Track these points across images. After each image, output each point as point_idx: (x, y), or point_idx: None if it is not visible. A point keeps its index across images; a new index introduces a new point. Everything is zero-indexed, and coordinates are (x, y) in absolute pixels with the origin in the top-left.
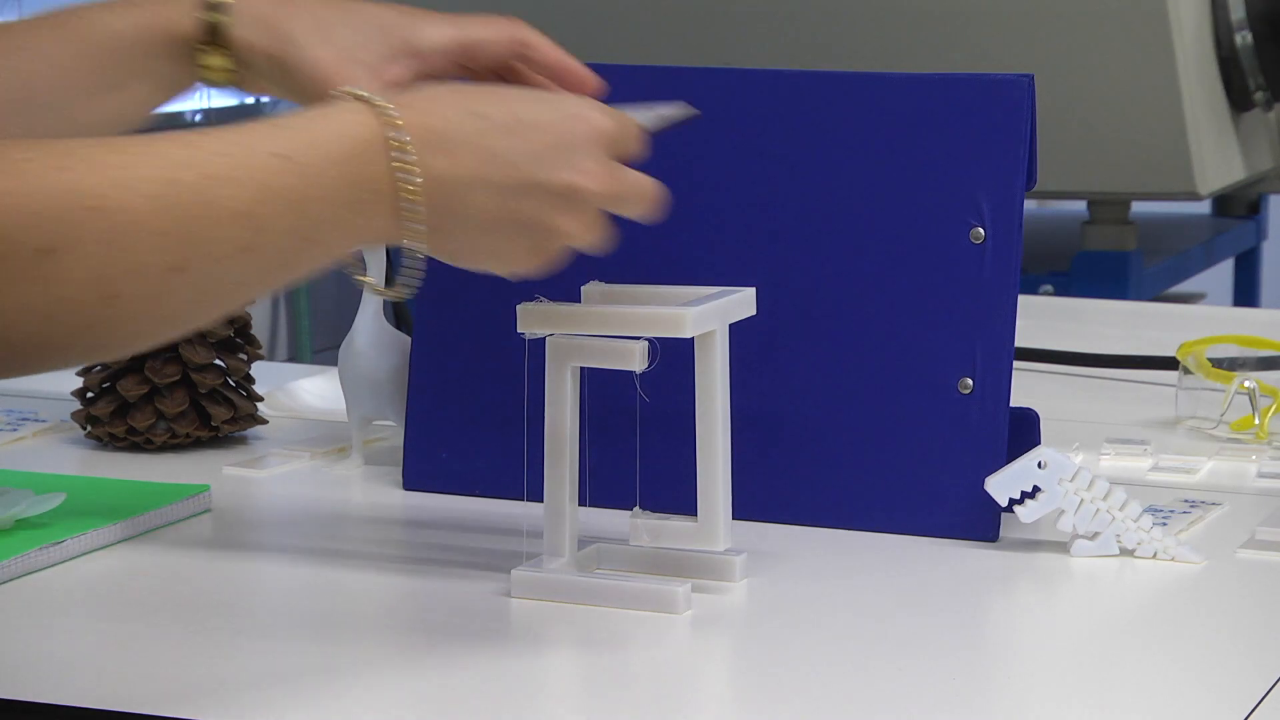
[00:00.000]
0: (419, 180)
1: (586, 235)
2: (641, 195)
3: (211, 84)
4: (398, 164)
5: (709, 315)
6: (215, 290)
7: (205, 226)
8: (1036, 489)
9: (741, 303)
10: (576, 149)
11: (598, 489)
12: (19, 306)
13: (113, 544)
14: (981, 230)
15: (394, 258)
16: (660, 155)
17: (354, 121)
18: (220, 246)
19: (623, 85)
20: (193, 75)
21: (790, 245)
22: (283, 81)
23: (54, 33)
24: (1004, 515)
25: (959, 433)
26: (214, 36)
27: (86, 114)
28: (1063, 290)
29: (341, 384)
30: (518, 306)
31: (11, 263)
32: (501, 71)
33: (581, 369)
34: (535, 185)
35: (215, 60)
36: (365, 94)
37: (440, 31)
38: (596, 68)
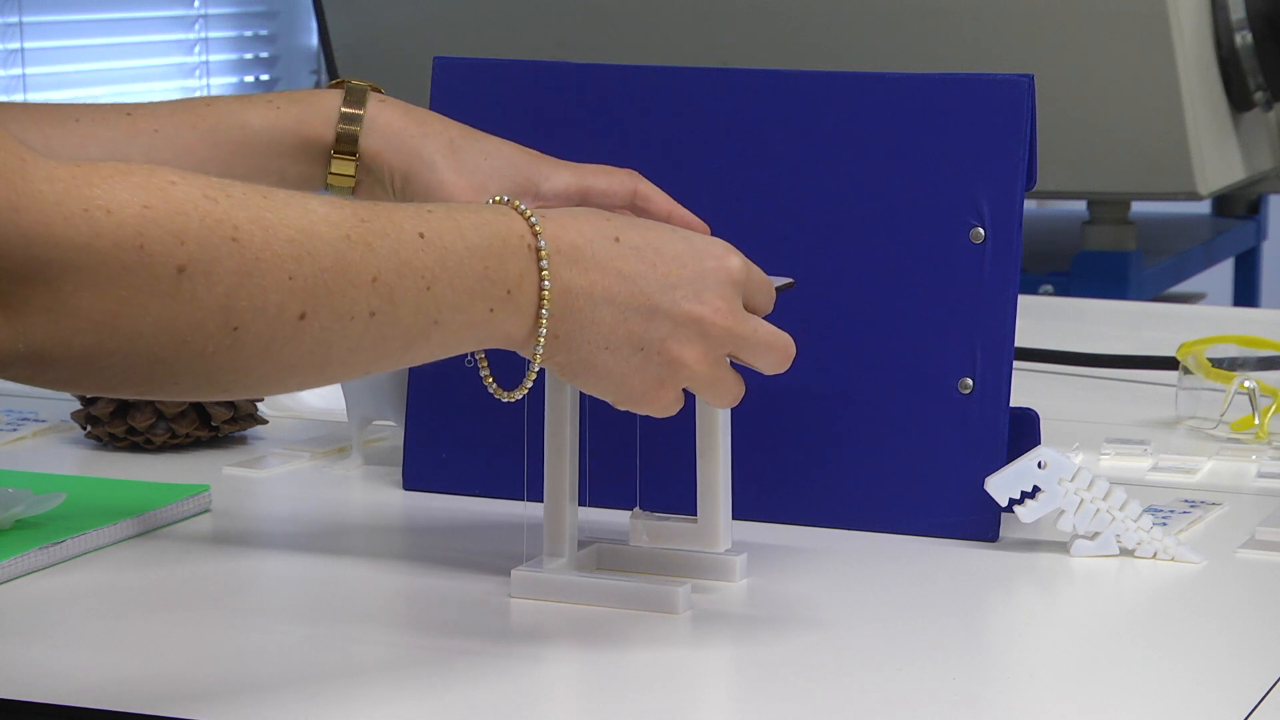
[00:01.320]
0: (548, 287)
1: (708, 373)
2: (769, 344)
3: (337, 190)
4: (535, 268)
5: None
6: (334, 348)
7: (335, 283)
8: (1036, 489)
9: None
10: (706, 285)
11: (598, 489)
12: (149, 318)
13: (113, 544)
14: (981, 230)
15: None
16: (660, 155)
17: (499, 221)
18: (347, 305)
19: (623, 85)
20: (321, 179)
21: (790, 245)
22: (406, 197)
23: (189, 117)
24: (1004, 515)
25: (959, 433)
26: (348, 146)
27: None
28: (1063, 290)
29: (341, 384)
30: None
31: (148, 274)
32: None
33: None
34: (660, 311)
35: (344, 168)
36: (513, 200)
37: (563, 177)
38: (596, 68)
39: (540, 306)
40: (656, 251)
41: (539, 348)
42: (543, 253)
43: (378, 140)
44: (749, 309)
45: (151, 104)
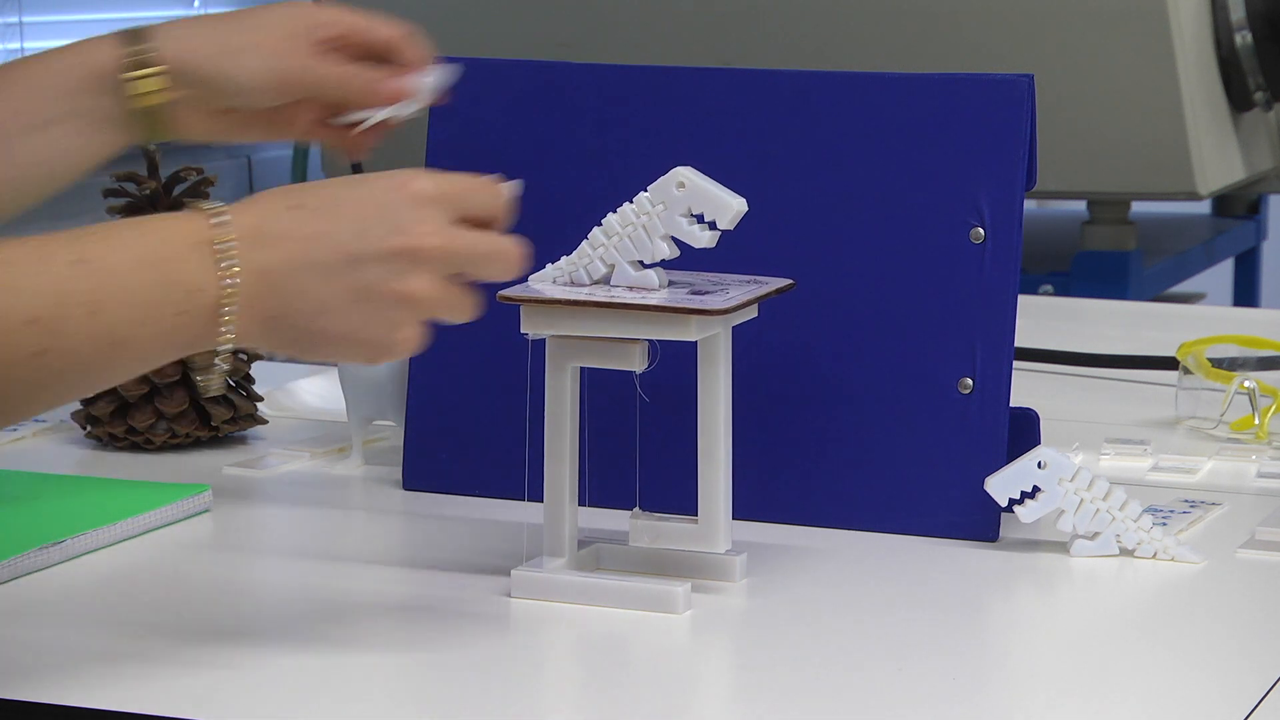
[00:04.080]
0: (237, 280)
1: (441, 298)
2: (490, 253)
3: (148, 110)
4: (220, 263)
5: (714, 320)
6: (8, 393)
7: None
8: (1036, 489)
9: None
10: (399, 214)
11: (598, 489)
12: None
13: (113, 544)
14: (981, 230)
15: None
16: (661, 155)
17: (166, 226)
18: (7, 353)
19: (624, 85)
20: (123, 105)
21: (790, 245)
22: (219, 81)
23: None
24: (1004, 515)
25: (959, 433)
26: (139, 63)
27: (23, 154)
28: (1063, 290)
29: (341, 384)
30: (520, 306)
31: None
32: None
33: (581, 369)
34: (363, 258)
35: (148, 84)
36: (199, 203)
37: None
38: (597, 68)
39: (230, 300)
40: (337, 203)
41: (249, 343)
42: (231, 246)
43: (177, 43)
44: (477, 222)
45: None
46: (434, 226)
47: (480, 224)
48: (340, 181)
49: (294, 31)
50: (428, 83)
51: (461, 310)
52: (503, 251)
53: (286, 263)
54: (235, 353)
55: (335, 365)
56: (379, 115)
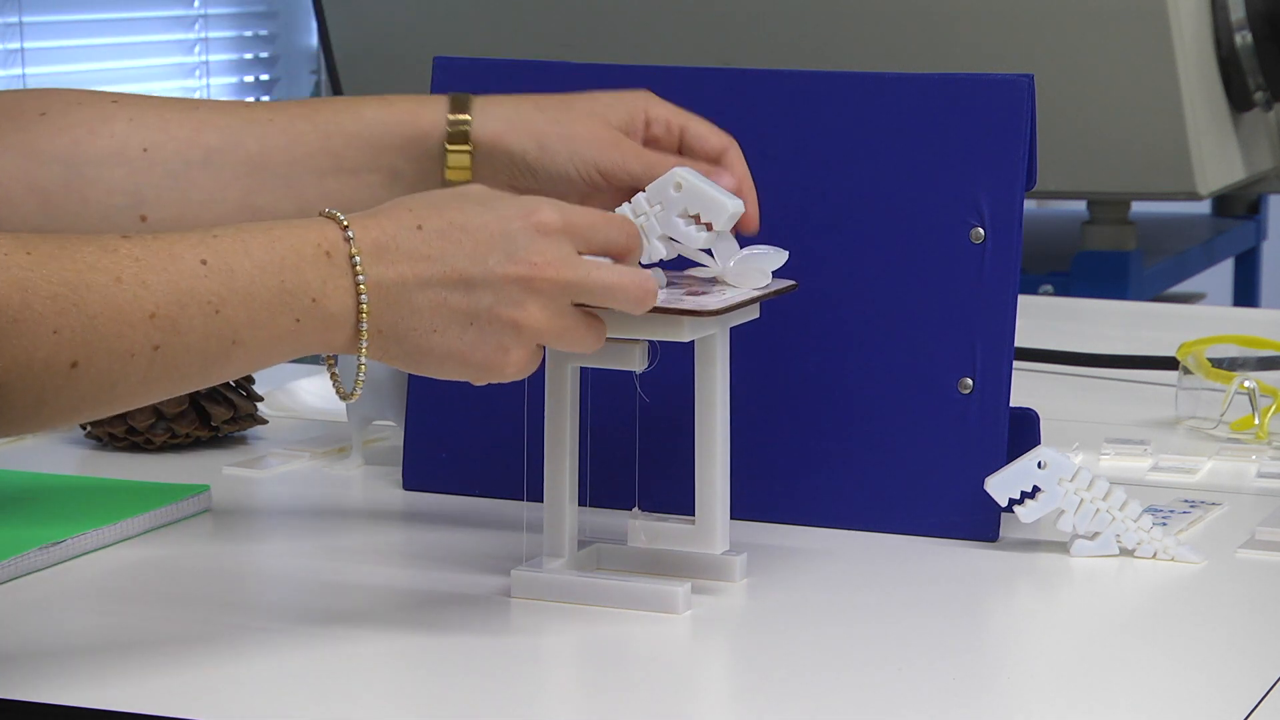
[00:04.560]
0: (360, 287)
1: (552, 326)
2: (612, 284)
3: (456, 181)
4: (340, 272)
5: (707, 321)
6: (119, 385)
7: (108, 327)
8: (1036, 489)
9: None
10: (518, 243)
11: (598, 489)
12: None
13: (113, 544)
14: (981, 230)
15: None
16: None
17: (292, 234)
18: (125, 345)
19: (624, 85)
20: (432, 171)
21: (790, 245)
22: (542, 167)
23: (303, 111)
24: (1004, 515)
25: (959, 433)
26: (460, 139)
27: (314, 191)
28: (1063, 290)
29: None
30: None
31: None
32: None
33: (581, 369)
34: (477, 281)
35: (459, 160)
36: (331, 210)
37: (665, 107)
38: (598, 68)
39: (359, 308)
40: (461, 229)
41: (364, 343)
42: (355, 256)
43: (496, 124)
44: (600, 252)
45: (276, 102)
46: (552, 256)
47: (610, 255)
48: (466, 201)
49: (625, 125)
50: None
51: (580, 340)
52: (626, 285)
53: (403, 281)
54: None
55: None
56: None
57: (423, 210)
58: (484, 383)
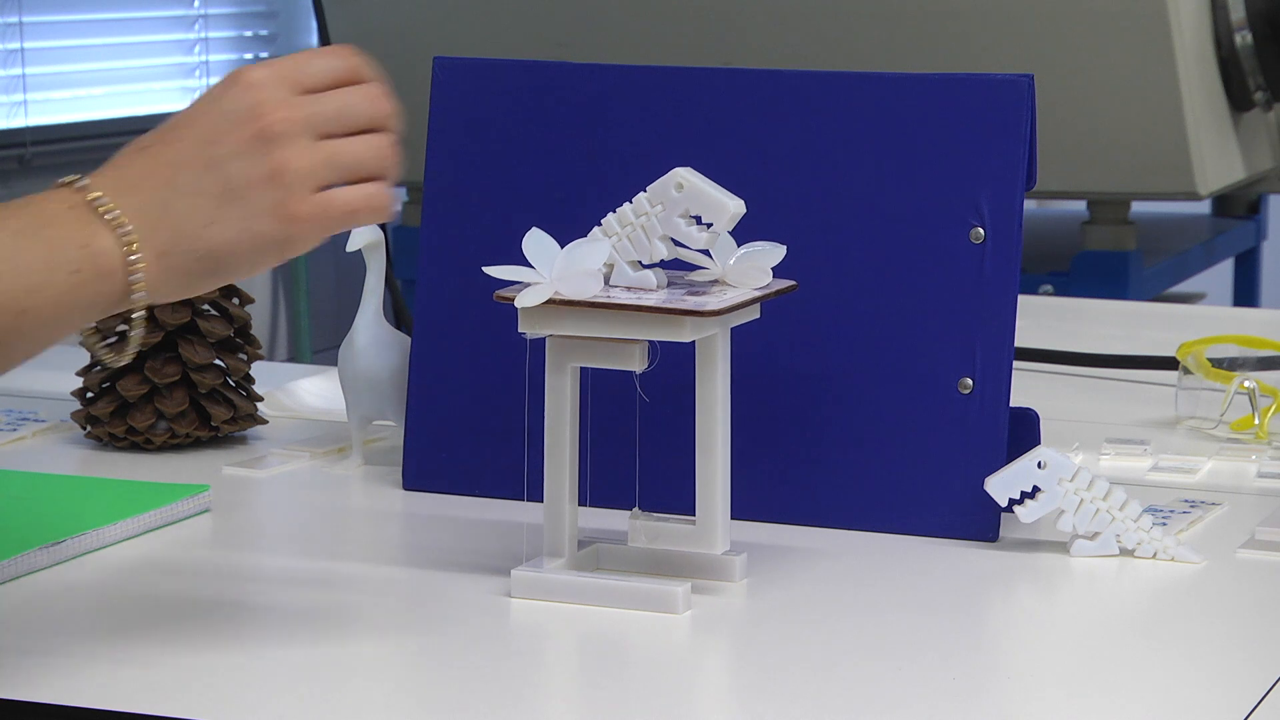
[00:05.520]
0: (129, 226)
1: (312, 160)
2: (344, 109)
3: None
4: (105, 216)
5: (708, 321)
6: None
7: None
8: (1036, 489)
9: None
10: (232, 106)
11: (598, 489)
12: None
13: (113, 544)
14: (981, 230)
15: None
16: (660, 155)
17: (42, 200)
18: None
19: (623, 85)
20: None
21: (790, 245)
22: None
23: None
24: (1004, 515)
25: (959, 433)
26: None
27: None
28: (1063, 290)
29: (341, 384)
30: (516, 303)
31: None
32: None
33: (581, 369)
34: (215, 158)
35: None
36: (59, 181)
37: None
38: (597, 68)
39: (127, 239)
40: (179, 125)
41: (145, 279)
42: (96, 194)
43: None
44: (321, 86)
45: None
46: (278, 102)
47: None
48: (181, 112)
49: None
50: None
51: (344, 170)
52: (357, 99)
53: (155, 195)
54: (237, 352)
55: (335, 366)
56: None
57: (141, 138)
58: (293, 255)
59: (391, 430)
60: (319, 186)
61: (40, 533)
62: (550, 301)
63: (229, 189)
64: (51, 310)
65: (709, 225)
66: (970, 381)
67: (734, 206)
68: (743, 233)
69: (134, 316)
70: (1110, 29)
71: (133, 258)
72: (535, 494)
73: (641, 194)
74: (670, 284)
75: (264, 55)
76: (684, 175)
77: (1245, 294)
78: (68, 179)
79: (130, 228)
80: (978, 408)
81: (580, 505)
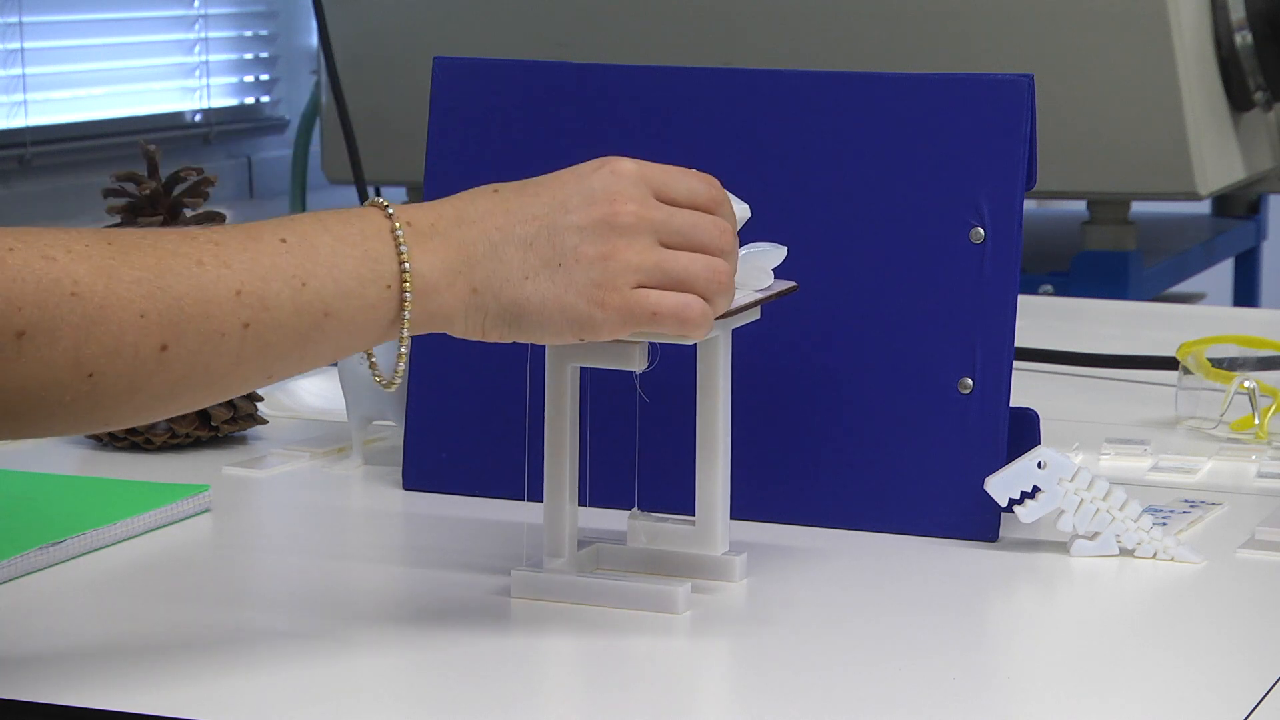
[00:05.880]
0: (448, 249)
1: (646, 259)
2: (696, 225)
3: None
4: (423, 238)
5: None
6: (213, 367)
7: (194, 308)
8: (1036, 489)
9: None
10: (596, 188)
11: (598, 489)
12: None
13: (113, 544)
14: (981, 230)
15: None
16: (660, 155)
17: (371, 212)
18: (214, 325)
19: (623, 85)
20: None
21: (790, 245)
22: None
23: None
24: (1004, 515)
25: (959, 433)
26: None
27: None
28: (1063, 290)
29: (341, 384)
30: None
31: None
32: None
33: (581, 369)
34: (559, 226)
35: None
36: (372, 200)
37: None
38: (597, 68)
39: (451, 268)
40: (537, 184)
41: (463, 309)
42: (433, 220)
43: None
44: (678, 202)
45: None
46: (630, 195)
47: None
48: (548, 174)
49: None
50: None
51: (669, 277)
52: (707, 224)
53: (487, 235)
54: None
55: (335, 366)
56: None
57: (500, 184)
58: (586, 336)
59: (391, 430)
60: (640, 284)
61: (40, 533)
62: None
63: (557, 255)
64: (352, 320)
65: None
66: (970, 381)
67: (740, 211)
68: (743, 232)
69: (402, 350)
70: (1110, 29)
71: (458, 285)
72: (535, 494)
73: None
74: None
75: (264, 55)
76: None
77: (1245, 294)
78: (383, 202)
79: (457, 259)
80: (978, 408)
81: (580, 505)
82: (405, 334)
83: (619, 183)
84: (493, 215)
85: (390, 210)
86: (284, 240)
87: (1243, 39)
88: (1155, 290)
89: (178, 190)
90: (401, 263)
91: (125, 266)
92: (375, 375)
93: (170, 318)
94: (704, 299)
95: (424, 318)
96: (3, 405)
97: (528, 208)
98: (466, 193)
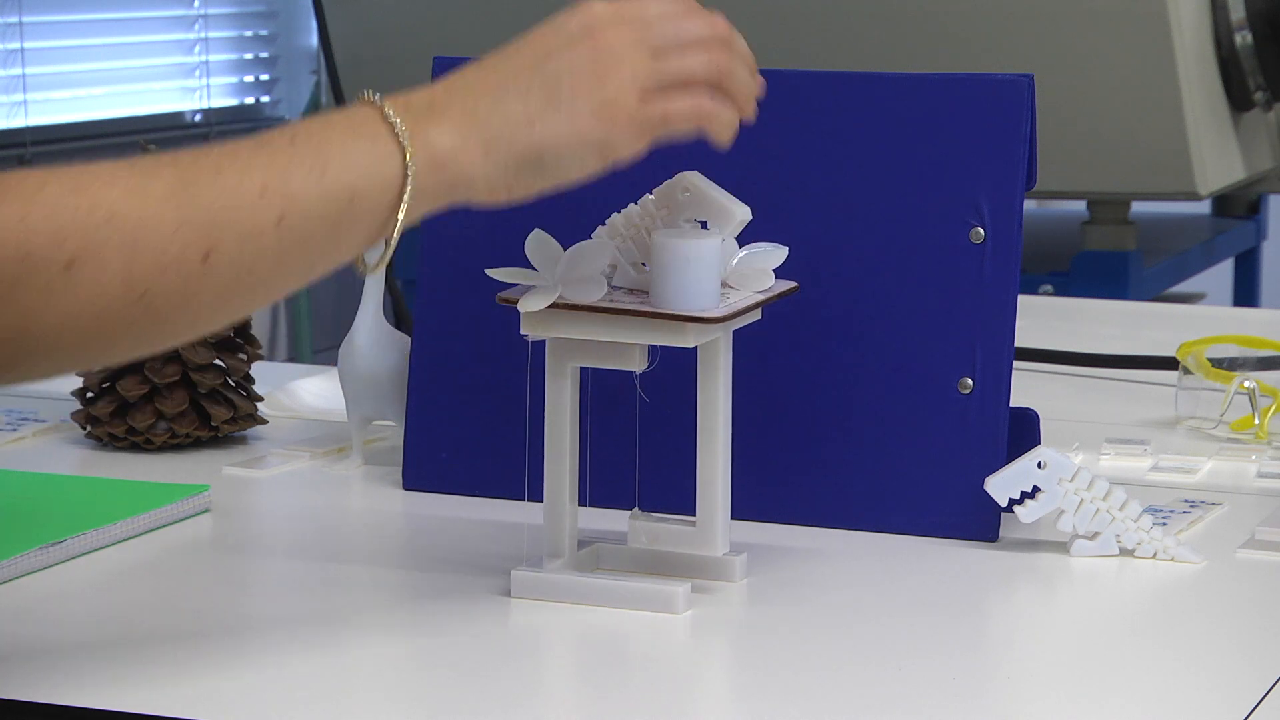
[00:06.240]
0: (454, 115)
1: (646, 74)
2: (685, 31)
3: None
4: (424, 113)
5: (712, 326)
6: (259, 268)
7: (225, 212)
8: (1036, 489)
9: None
10: (573, 28)
11: (598, 489)
12: (59, 316)
13: (113, 544)
14: (981, 230)
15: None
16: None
17: (366, 105)
18: (250, 223)
19: None
20: None
21: (790, 244)
22: None
23: None
24: (1004, 515)
25: (959, 433)
26: None
27: None
28: (1063, 290)
29: (341, 384)
30: (519, 307)
31: (43, 278)
32: None
33: (581, 369)
34: (549, 50)
35: None
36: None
37: None
38: None
39: (460, 130)
40: (516, 44)
41: (478, 164)
42: (389, 111)
43: None
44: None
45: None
46: (614, 23)
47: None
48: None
49: None
50: None
51: (670, 78)
52: (692, 20)
53: (487, 96)
54: (237, 352)
55: (335, 366)
56: None
57: (481, 58)
58: (616, 159)
59: (391, 430)
60: (645, 97)
61: (40, 533)
62: (553, 306)
63: (556, 91)
64: (379, 199)
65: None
66: (970, 381)
67: (740, 213)
68: (743, 232)
69: (392, 236)
70: (1110, 29)
71: (470, 137)
72: (535, 494)
73: (648, 196)
74: None
75: (264, 55)
76: (691, 180)
77: (1245, 294)
78: (369, 93)
79: (465, 120)
80: (978, 408)
81: (580, 505)
82: (406, 199)
83: (594, 17)
84: (483, 80)
85: (379, 96)
86: (292, 140)
87: (1243, 39)
88: (1155, 290)
89: None
90: (413, 132)
91: (152, 183)
92: (359, 263)
93: (205, 225)
94: (718, 93)
95: (444, 188)
96: (67, 338)
97: (514, 63)
98: (455, 71)
